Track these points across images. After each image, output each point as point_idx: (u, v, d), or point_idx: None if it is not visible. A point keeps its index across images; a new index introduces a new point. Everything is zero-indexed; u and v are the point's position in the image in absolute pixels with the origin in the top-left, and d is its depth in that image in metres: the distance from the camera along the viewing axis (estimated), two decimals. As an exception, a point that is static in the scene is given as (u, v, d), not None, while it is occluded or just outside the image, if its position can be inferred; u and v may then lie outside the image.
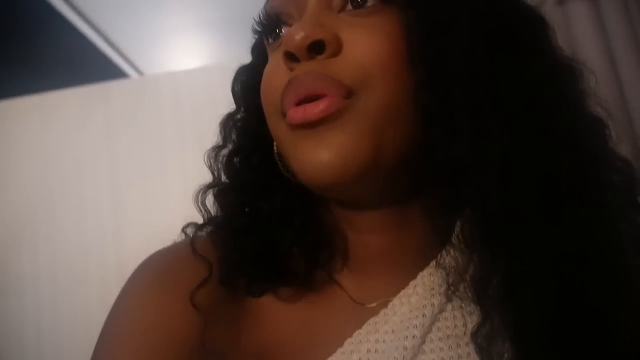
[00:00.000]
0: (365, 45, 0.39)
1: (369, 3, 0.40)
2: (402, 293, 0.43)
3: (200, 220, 0.48)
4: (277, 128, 0.43)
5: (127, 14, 2.08)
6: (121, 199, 1.82)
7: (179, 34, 2.33)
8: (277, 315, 0.45)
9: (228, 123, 0.52)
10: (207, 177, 0.50)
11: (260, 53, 0.51)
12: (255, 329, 0.44)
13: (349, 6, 0.41)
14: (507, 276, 0.37)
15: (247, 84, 0.52)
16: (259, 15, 0.46)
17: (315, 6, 0.41)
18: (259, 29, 0.47)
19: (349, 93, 0.38)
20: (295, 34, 0.39)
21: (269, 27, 0.45)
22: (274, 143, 0.45)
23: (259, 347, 0.43)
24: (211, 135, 0.52)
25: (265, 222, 0.46)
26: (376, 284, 0.45)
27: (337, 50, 0.39)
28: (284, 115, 0.41)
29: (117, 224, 1.79)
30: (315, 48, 0.39)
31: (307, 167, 0.39)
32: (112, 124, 1.88)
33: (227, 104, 0.54)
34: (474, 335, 0.38)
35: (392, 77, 0.38)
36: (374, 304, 0.44)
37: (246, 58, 0.55)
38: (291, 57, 0.40)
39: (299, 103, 0.39)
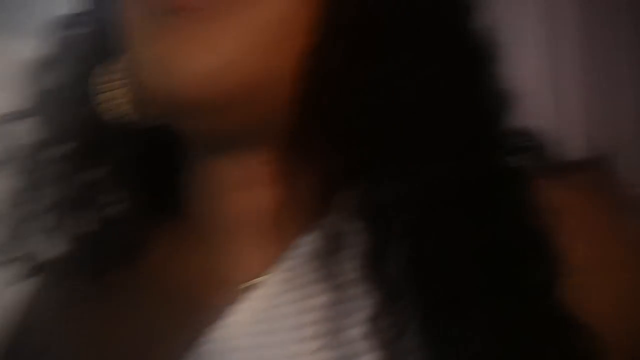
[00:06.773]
0: None
1: None
2: (273, 268, 0.31)
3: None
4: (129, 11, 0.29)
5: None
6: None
7: None
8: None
9: None
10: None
11: None
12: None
13: None
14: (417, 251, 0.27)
15: None
16: None
17: None
18: None
19: None
20: None
21: None
22: None
23: None
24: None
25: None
26: (249, 256, 0.33)
27: None
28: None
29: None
30: None
31: (167, 70, 0.26)
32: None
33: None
34: (373, 322, 0.27)
35: None
36: (246, 283, 0.31)
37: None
38: None
39: None
